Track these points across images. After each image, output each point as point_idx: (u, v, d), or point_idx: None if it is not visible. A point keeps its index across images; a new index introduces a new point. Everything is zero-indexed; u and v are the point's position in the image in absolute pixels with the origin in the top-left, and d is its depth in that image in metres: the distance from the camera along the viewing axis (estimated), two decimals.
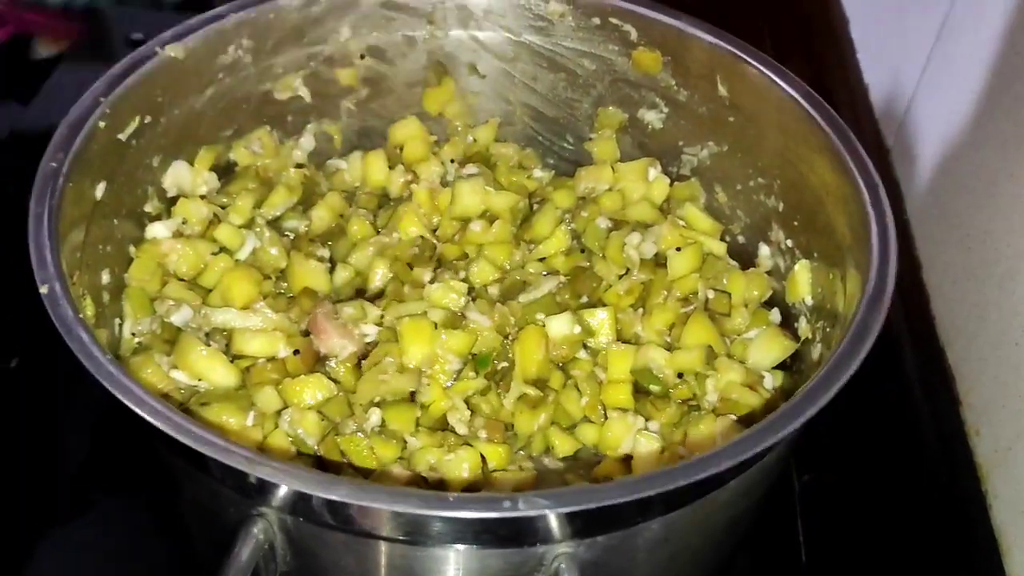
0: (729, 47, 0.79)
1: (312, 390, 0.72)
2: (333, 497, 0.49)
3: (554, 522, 0.52)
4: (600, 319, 0.80)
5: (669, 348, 0.80)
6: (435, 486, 0.69)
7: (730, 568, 0.78)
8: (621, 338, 0.81)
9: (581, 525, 0.53)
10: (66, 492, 0.78)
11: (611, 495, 0.50)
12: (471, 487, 0.70)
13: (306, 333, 0.76)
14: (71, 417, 0.85)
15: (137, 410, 0.51)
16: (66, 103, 0.77)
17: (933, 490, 0.87)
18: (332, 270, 0.83)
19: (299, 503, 0.53)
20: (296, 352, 0.74)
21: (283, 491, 0.52)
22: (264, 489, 0.53)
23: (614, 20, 0.84)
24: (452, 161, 0.91)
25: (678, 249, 0.82)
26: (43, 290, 0.57)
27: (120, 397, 0.52)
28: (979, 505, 0.83)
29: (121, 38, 1.24)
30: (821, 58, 1.27)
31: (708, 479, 0.52)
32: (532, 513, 0.49)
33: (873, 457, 0.92)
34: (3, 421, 0.82)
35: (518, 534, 0.53)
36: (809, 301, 0.77)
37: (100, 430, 0.82)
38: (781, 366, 0.78)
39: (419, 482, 0.69)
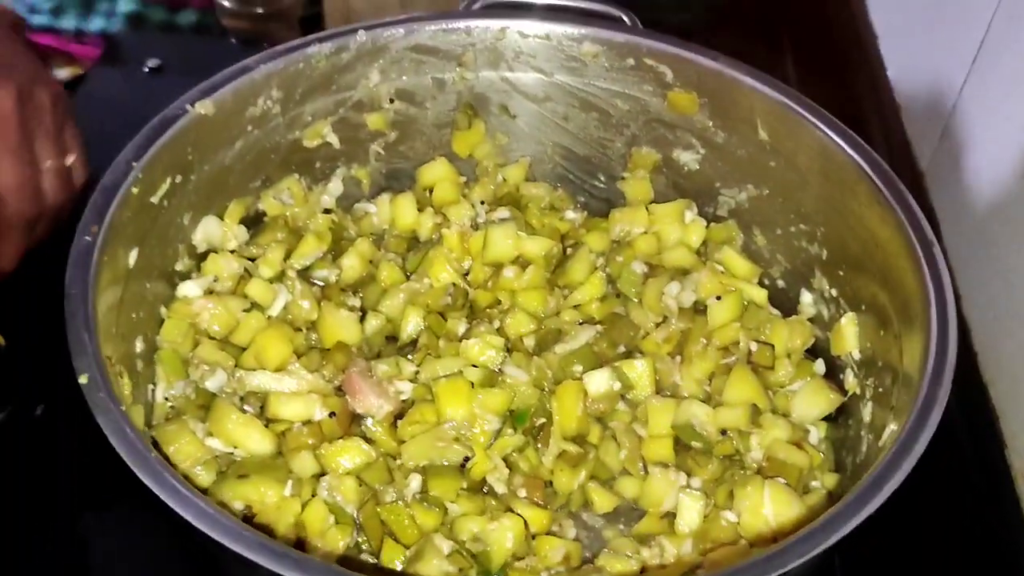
0: (771, 91, 0.77)
1: (350, 455, 0.70)
2: None
3: None
4: (639, 370, 0.78)
5: (708, 398, 0.78)
6: (478, 556, 0.68)
7: None
8: (659, 387, 0.79)
9: None
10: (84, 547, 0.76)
11: None
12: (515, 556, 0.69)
13: (340, 391, 0.75)
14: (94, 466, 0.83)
15: (189, 517, 0.50)
16: (86, 128, 0.78)
17: (978, 536, 0.86)
18: (363, 318, 0.81)
19: None
20: (332, 414, 0.73)
21: None
22: None
23: (649, 61, 0.82)
24: (482, 203, 0.89)
25: (718, 298, 0.81)
26: (82, 380, 0.55)
27: (171, 504, 0.50)
28: None
29: (137, 62, 1.22)
30: (849, 77, 1.25)
31: None
32: None
33: (916, 498, 0.90)
34: (29, 469, 0.81)
35: None
36: (857, 355, 0.75)
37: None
38: (825, 418, 0.77)
39: (462, 552, 0.67)
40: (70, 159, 0.76)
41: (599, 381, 0.76)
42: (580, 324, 0.82)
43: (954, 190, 1.06)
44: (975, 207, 1.01)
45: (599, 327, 0.81)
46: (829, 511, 0.53)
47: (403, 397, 0.75)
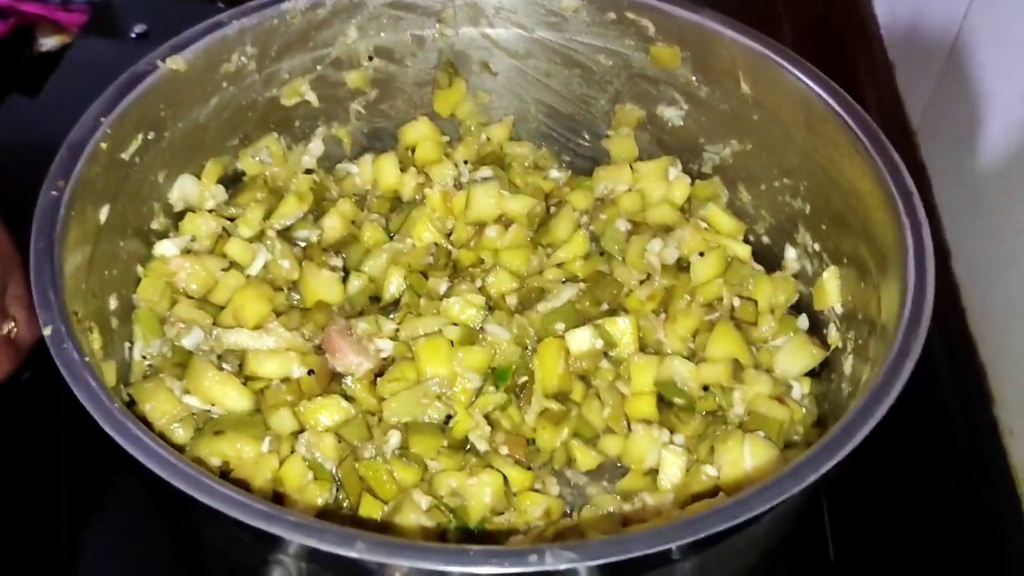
0: (752, 43, 0.76)
1: (329, 412, 0.70)
2: (352, 555, 0.47)
3: (583, 572, 0.50)
4: (622, 328, 0.77)
5: (692, 355, 0.78)
6: (456, 511, 0.68)
7: None
8: (643, 344, 0.78)
9: (612, 571, 0.51)
10: (76, 512, 0.76)
11: (641, 545, 0.48)
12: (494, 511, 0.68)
13: (320, 349, 0.75)
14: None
15: (150, 464, 0.49)
16: (72, 96, 0.75)
17: (964, 492, 0.85)
18: (345, 278, 0.81)
19: (317, 553, 0.51)
20: (311, 372, 0.72)
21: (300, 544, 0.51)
22: (283, 540, 0.51)
23: (630, 15, 0.81)
24: (465, 162, 0.89)
25: (701, 254, 0.80)
26: (47, 332, 0.55)
27: (129, 450, 0.50)
28: (1013, 508, 0.81)
29: (126, 28, 1.21)
30: (843, 34, 1.23)
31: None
32: (560, 567, 0.47)
33: (902, 456, 0.90)
34: (14, 437, 0.81)
35: None
36: (839, 309, 0.74)
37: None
38: (809, 372, 0.76)
39: (440, 507, 0.67)
40: (8, 327, 0.66)
41: (581, 339, 0.76)
42: (563, 282, 0.81)
43: (945, 147, 1.04)
44: (966, 164, 1.00)
45: (582, 285, 0.81)
46: (799, 458, 0.52)
47: (383, 355, 0.75)
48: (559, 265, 0.83)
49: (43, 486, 0.77)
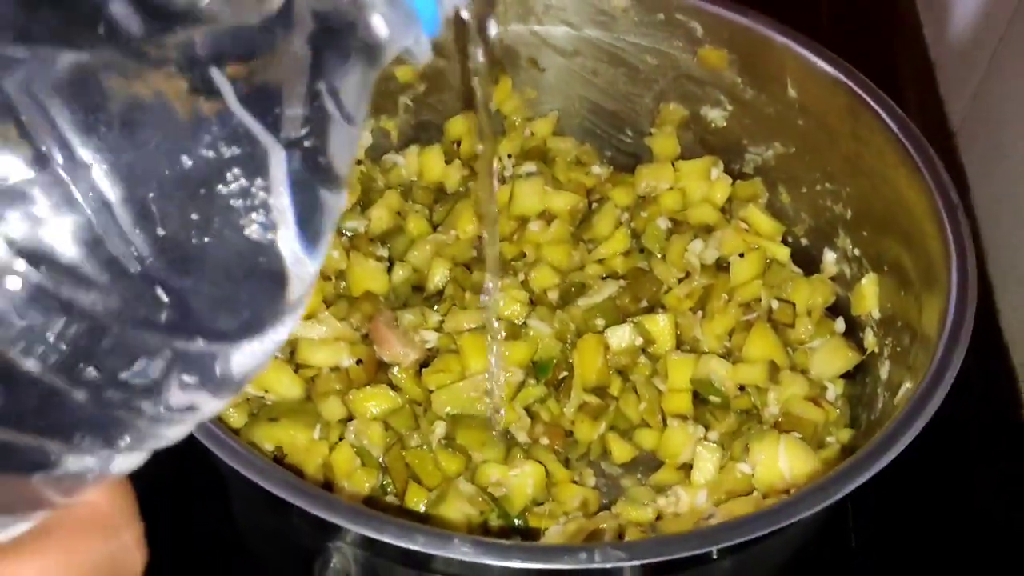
0: (802, 49, 0.76)
1: (377, 400, 0.72)
2: (412, 547, 0.49)
3: (628, 570, 0.52)
4: (661, 326, 0.79)
5: (728, 353, 0.79)
6: (499, 500, 0.70)
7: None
8: (680, 341, 0.80)
9: (655, 569, 0.53)
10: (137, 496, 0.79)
11: (688, 546, 0.50)
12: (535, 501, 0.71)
13: (366, 338, 0.77)
14: None
15: (221, 455, 0.52)
16: None
17: (993, 493, 0.87)
18: (390, 268, 0.83)
19: (374, 542, 0.54)
20: (359, 362, 0.75)
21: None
22: (342, 529, 0.53)
23: (679, 16, 0.82)
24: (509, 156, 0.90)
25: (741, 255, 0.81)
26: None
27: (204, 441, 0.52)
28: None
29: None
30: (884, 33, 1.23)
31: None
32: (609, 566, 0.49)
33: (933, 457, 0.91)
34: None
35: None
36: (877, 315, 0.75)
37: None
38: (843, 375, 0.78)
39: (483, 497, 0.70)
40: None
41: (620, 335, 0.78)
42: (603, 279, 0.83)
43: (985, 150, 1.05)
44: (1005, 167, 1.00)
45: (622, 281, 0.82)
46: (841, 465, 0.54)
47: (428, 346, 0.77)
48: (600, 261, 0.85)
49: None
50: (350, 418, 0.72)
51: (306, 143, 0.29)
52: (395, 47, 0.33)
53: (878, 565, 0.83)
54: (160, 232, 0.26)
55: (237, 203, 0.27)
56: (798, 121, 0.80)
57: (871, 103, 0.72)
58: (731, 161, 0.88)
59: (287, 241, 0.29)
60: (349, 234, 0.85)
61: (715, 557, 0.55)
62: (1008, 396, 0.89)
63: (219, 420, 0.67)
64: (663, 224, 0.85)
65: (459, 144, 0.91)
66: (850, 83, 0.73)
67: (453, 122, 0.90)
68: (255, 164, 0.27)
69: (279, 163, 0.28)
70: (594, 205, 0.88)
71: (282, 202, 0.28)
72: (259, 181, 0.28)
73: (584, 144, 0.92)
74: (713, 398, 0.76)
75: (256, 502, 0.60)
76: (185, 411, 0.29)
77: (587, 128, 0.93)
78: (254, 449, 0.56)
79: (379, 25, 0.32)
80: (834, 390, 0.77)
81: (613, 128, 0.92)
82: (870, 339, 0.76)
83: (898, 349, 0.71)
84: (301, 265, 0.29)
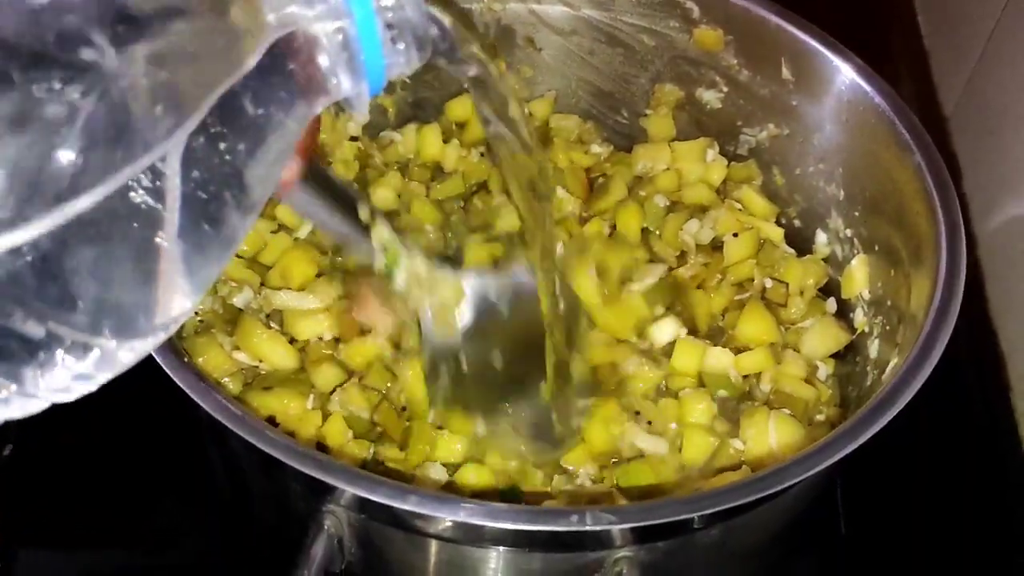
0: (797, 31, 0.77)
1: (365, 353, 0.73)
2: (405, 507, 0.50)
3: (617, 532, 0.53)
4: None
5: (721, 332, 0.80)
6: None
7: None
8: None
9: (643, 533, 0.54)
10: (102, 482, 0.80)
11: (677, 511, 0.51)
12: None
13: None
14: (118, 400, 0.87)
15: (219, 417, 0.52)
16: None
17: (977, 475, 0.88)
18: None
19: (368, 504, 0.55)
20: (337, 340, 0.75)
21: (353, 494, 0.54)
22: (336, 491, 0.54)
23: None
24: None
25: (735, 235, 0.82)
26: None
27: (201, 402, 0.53)
28: None
29: None
30: (879, 20, 1.24)
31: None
32: (599, 528, 0.50)
33: (917, 437, 0.92)
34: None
35: (581, 542, 0.54)
36: (867, 295, 0.76)
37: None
38: (833, 354, 0.78)
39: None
40: None
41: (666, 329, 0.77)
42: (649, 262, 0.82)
43: (977, 137, 1.06)
44: (998, 154, 1.01)
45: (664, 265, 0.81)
46: (825, 437, 0.55)
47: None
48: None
49: (104, 438, 0.81)
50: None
51: (213, 135, 0.30)
52: (337, 92, 0.35)
53: (868, 551, 0.84)
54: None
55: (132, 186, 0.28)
56: (792, 102, 0.80)
57: (863, 83, 0.73)
58: (726, 143, 0.88)
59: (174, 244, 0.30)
60: None
61: (701, 525, 0.56)
62: (997, 382, 0.90)
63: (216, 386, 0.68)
64: (661, 202, 0.86)
65: (459, 125, 0.91)
66: (843, 62, 0.74)
67: (454, 104, 0.91)
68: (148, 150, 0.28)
69: (176, 152, 0.29)
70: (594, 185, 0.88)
71: (173, 185, 0.29)
72: (153, 169, 0.29)
73: (586, 123, 0.93)
74: (723, 392, 0.75)
75: (249, 465, 0.61)
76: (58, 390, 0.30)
77: (584, 109, 0.93)
78: (248, 411, 0.57)
79: (324, 64, 0.33)
80: (825, 369, 0.78)
81: (609, 109, 0.93)
82: (860, 319, 0.77)
83: (887, 328, 0.72)
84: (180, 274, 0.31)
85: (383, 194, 0.85)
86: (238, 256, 0.78)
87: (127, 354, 0.31)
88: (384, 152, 0.91)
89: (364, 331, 0.76)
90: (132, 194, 0.28)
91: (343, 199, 0.61)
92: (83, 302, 0.29)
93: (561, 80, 0.92)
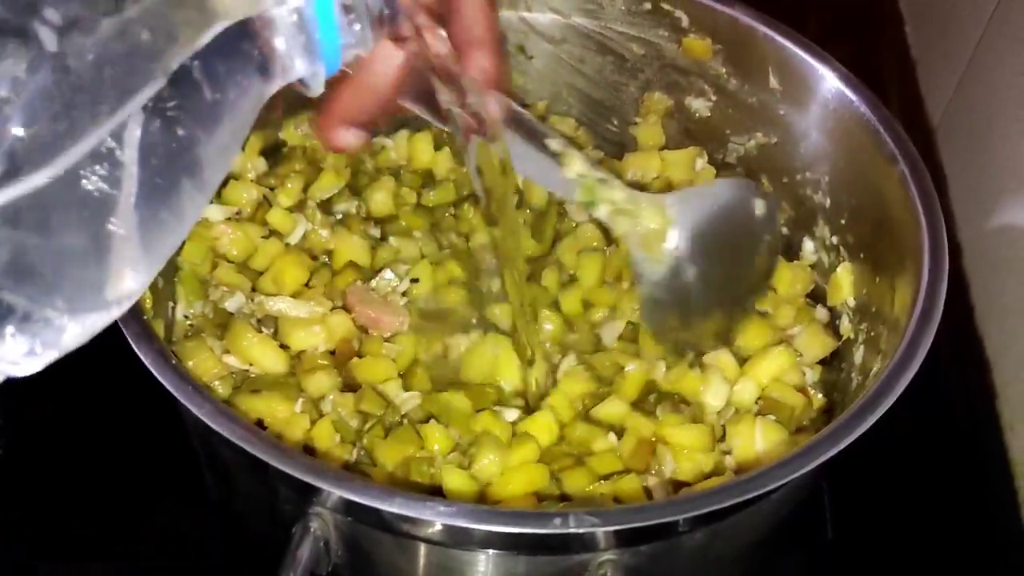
0: (784, 40, 0.78)
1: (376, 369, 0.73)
2: (390, 509, 0.51)
3: (601, 535, 0.53)
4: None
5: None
6: None
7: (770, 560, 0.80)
8: None
9: (628, 536, 0.55)
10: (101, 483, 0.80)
11: (660, 514, 0.51)
12: None
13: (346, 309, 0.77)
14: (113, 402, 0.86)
15: (206, 419, 0.53)
16: None
17: (963, 481, 0.88)
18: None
19: (354, 506, 0.55)
20: (333, 352, 0.75)
21: (339, 496, 0.54)
22: (322, 492, 0.54)
23: (665, 5, 0.83)
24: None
25: None
26: None
27: (189, 405, 0.53)
28: (1010, 501, 0.84)
29: None
30: (867, 32, 1.25)
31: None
32: (582, 531, 0.50)
33: (904, 443, 0.93)
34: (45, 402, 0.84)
35: (565, 544, 0.55)
36: (852, 302, 0.77)
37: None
38: (820, 361, 0.79)
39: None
40: None
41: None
42: None
43: (963, 147, 1.07)
44: (982, 164, 1.02)
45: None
46: (808, 441, 0.55)
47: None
48: None
49: (72, 447, 0.81)
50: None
51: (168, 112, 0.30)
52: (292, 73, 0.35)
53: (854, 555, 0.85)
54: None
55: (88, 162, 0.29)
56: (779, 111, 0.81)
57: (849, 92, 0.74)
58: (714, 151, 0.89)
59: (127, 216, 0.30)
60: (340, 216, 0.86)
61: (686, 529, 0.57)
62: (982, 388, 0.91)
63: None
64: None
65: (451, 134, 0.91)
66: (829, 71, 0.75)
67: None
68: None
69: (130, 129, 0.29)
70: None
71: (127, 162, 0.30)
72: (111, 142, 0.29)
73: (580, 129, 0.94)
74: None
75: (236, 467, 0.61)
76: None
77: (574, 116, 0.94)
78: (235, 413, 0.57)
79: (280, 46, 0.34)
80: (812, 375, 0.78)
81: (599, 117, 0.93)
82: (846, 326, 0.78)
83: (872, 334, 0.72)
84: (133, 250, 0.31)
85: (379, 197, 0.86)
86: (228, 261, 0.79)
87: (79, 328, 0.31)
88: (376, 158, 0.91)
89: (364, 329, 0.76)
90: (85, 171, 0.29)
91: (533, 135, 0.59)
92: (36, 274, 0.29)
93: (552, 88, 0.93)
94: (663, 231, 0.66)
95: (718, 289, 0.69)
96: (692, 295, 0.68)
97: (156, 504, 0.79)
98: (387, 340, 0.76)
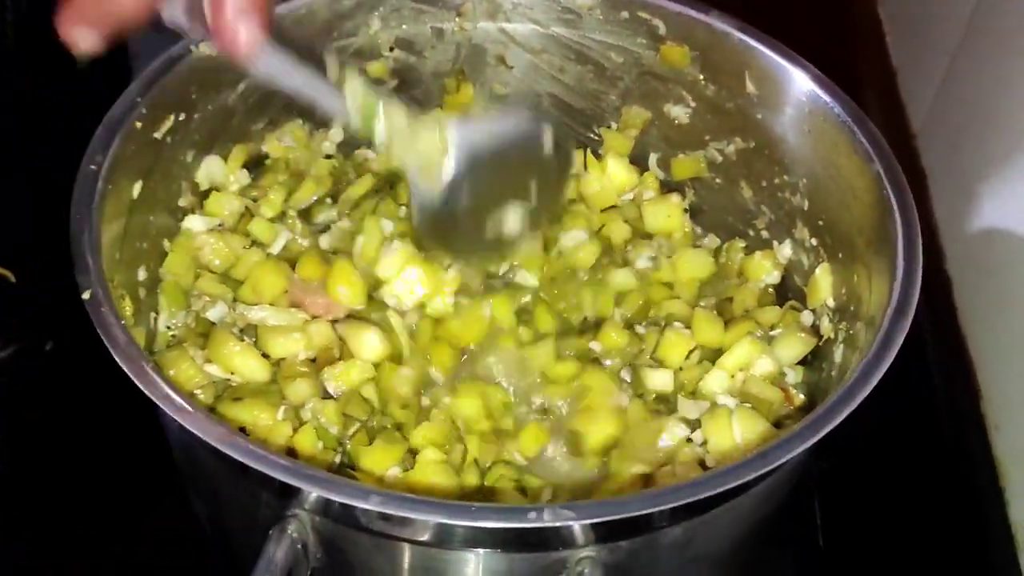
0: (759, 45, 0.79)
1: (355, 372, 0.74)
2: (366, 506, 0.51)
3: (578, 530, 0.53)
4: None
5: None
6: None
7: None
8: None
9: (605, 531, 0.55)
10: (98, 485, 0.80)
11: (635, 507, 0.51)
12: None
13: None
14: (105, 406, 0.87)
15: (181, 420, 0.53)
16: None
17: (950, 482, 0.88)
18: None
19: (331, 507, 0.55)
20: (314, 360, 0.75)
21: (316, 496, 0.54)
22: (299, 493, 0.55)
23: (642, 14, 0.84)
24: None
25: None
26: (85, 296, 0.59)
27: (162, 405, 0.54)
28: (996, 500, 0.84)
29: None
30: (849, 39, 1.26)
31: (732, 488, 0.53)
32: (558, 524, 0.50)
33: (892, 446, 0.93)
34: (40, 403, 0.85)
35: (543, 540, 0.55)
36: (831, 303, 0.77)
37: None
38: (801, 361, 0.79)
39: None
40: None
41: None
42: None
43: (944, 152, 1.07)
44: (964, 169, 1.03)
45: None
46: (783, 434, 0.56)
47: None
48: None
49: (68, 450, 0.81)
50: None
51: None
52: None
53: (846, 564, 0.85)
54: None
55: None
56: (757, 115, 0.82)
57: (822, 94, 0.74)
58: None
59: None
60: (321, 227, 0.86)
61: (663, 523, 0.57)
62: (967, 388, 0.91)
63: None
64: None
65: None
66: (803, 75, 0.76)
67: None
68: None
69: None
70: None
71: None
72: None
73: None
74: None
75: (214, 470, 0.61)
76: None
77: None
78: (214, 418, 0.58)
79: None
80: (793, 376, 0.79)
81: (580, 126, 0.94)
82: (826, 326, 0.78)
83: (850, 332, 0.73)
84: None
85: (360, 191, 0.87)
86: (211, 271, 0.79)
87: None
88: (359, 169, 0.92)
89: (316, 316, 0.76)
90: None
91: (310, 58, 0.58)
92: None
93: (533, 98, 0.93)
94: (440, 160, 0.64)
95: (494, 208, 0.69)
96: (465, 214, 0.67)
97: (156, 504, 0.79)
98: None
